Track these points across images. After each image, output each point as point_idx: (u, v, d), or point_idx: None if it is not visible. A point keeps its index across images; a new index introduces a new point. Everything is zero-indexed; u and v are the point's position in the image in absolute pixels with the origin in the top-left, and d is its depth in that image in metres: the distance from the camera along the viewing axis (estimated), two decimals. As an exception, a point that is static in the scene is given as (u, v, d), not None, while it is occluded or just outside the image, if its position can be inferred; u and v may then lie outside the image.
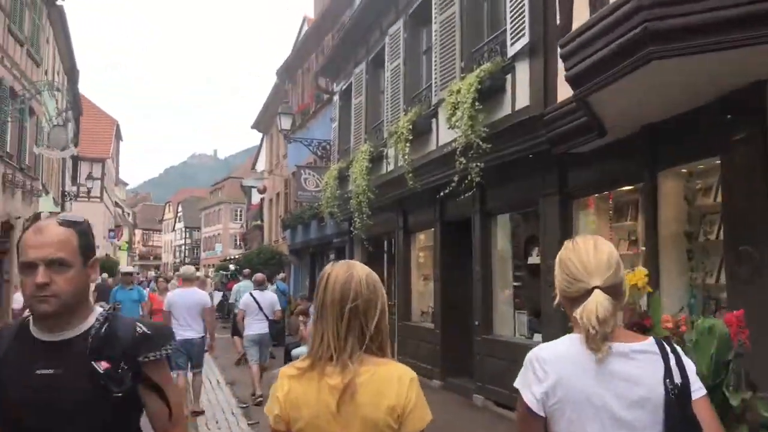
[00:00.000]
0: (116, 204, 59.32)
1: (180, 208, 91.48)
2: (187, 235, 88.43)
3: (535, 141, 6.86)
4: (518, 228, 8.94)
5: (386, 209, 11.59)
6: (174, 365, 7.42)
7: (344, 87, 14.55)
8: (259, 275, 10.07)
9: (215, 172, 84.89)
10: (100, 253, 35.57)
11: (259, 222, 30.24)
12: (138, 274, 35.72)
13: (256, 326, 9.19)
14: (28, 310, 1.90)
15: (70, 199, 25.01)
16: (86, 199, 38.11)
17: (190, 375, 8.28)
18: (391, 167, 11.00)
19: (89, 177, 25.62)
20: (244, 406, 8.86)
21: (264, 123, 29.44)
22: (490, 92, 7.47)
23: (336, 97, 14.82)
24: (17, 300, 13.21)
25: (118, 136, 45.12)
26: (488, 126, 7.36)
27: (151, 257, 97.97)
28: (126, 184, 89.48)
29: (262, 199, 27.59)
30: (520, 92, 7.28)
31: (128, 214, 71.47)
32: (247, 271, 17.46)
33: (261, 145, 34.95)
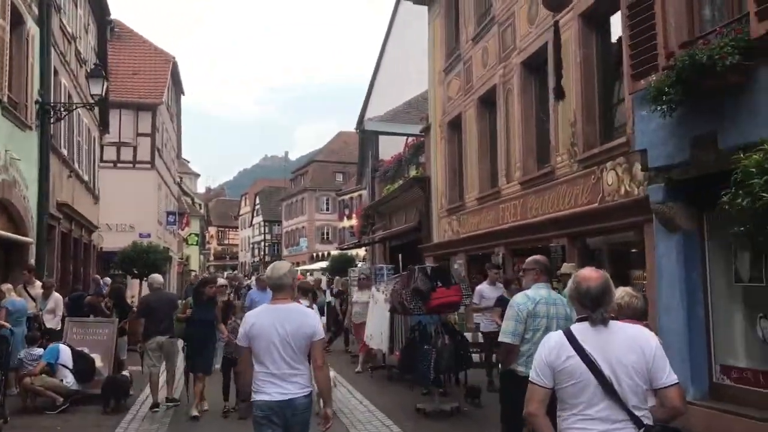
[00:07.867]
0: (185, 192, 48.40)
1: (257, 200, 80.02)
2: (267, 230, 76.83)
3: None
4: None
5: None
6: None
7: None
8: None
9: (288, 173, 75.07)
10: (153, 240, 22.17)
11: (416, 172, 16.66)
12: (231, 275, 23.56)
13: None
14: None
15: (55, 115, 12.08)
16: (131, 166, 25.86)
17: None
18: None
19: (95, 92, 12.58)
20: None
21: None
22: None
23: None
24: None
25: (177, 83, 32.48)
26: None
27: (227, 257, 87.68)
28: (198, 175, 79.05)
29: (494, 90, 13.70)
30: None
31: (199, 205, 60.07)
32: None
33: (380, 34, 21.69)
